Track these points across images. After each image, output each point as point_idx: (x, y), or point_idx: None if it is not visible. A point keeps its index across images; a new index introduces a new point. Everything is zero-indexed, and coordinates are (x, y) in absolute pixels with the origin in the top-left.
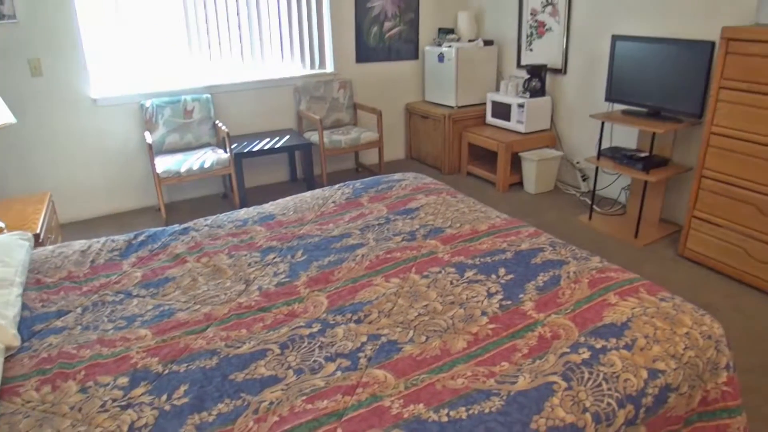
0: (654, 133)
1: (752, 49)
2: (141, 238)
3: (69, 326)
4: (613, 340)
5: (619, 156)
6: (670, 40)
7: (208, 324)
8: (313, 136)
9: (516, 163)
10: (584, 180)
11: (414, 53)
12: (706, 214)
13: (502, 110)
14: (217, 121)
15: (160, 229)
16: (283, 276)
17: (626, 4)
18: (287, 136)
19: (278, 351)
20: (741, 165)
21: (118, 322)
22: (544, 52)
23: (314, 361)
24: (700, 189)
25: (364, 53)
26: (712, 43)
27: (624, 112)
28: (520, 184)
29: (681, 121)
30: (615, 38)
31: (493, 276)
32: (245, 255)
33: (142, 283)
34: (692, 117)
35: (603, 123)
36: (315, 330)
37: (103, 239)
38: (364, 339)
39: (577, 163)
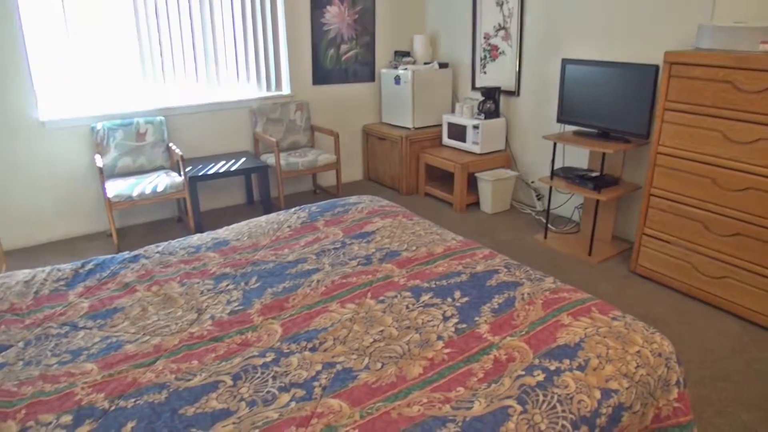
0: (604, 154)
1: (694, 73)
2: (89, 266)
3: (9, 362)
4: (567, 361)
5: (571, 176)
6: (616, 63)
7: (158, 356)
8: (270, 159)
9: (473, 183)
10: (539, 199)
11: (370, 75)
12: (656, 231)
13: (458, 131)
14: (170, 144)
15: (109, 256)
16: (236, 304)
17: (575, 29)
18: (243, 159)
19: (230, 382)
20: (686, 183)
21: (63, 356)
22: (497, 74)
23: (267, 392)
24: (649, 207)
25: (321, 75)
26: (657, 67)
27: (575, 133)
28: (477, 204)
29: (629, 142)
30: (565, 62)
31: (449, 299)
32: (198, 283)
33: (89, 314)
34: (640, 137)
35: (555, 144)
36: (269, 359)
37: (48, 268)
38: (318, 367)
39: (532, 182)
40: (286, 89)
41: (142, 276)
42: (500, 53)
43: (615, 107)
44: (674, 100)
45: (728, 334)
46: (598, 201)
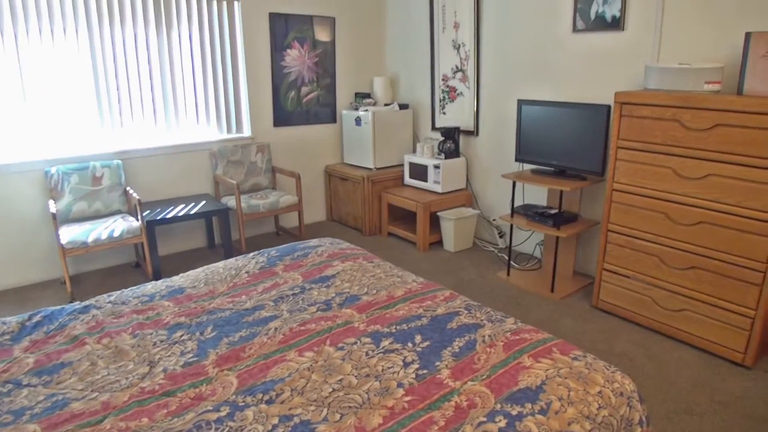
0: (561, 191)
1: (643, 112)
2: (36, 318)
3: None
4: (529, 405)
5: (531, 213)
6: (570, 104)
7: (106, 414)
8: (231, 201)
9: (435, 222)
10: (501, 237)
11: (332, 117)
12: (615, 266)
13: (419, 171)
14: (128, 188)
15: (58, 307)
16: (190, 355)
17: (529, 71)
18: (203, 202)
19: None
20: (641, 218)
21: (4, 418)
22: (456, 115)
23: None
24: (608, 242)
25: (282, 117)
26: (608, 107)
27: (533, 171)
28: (440, 242)
29: (585, 179)
30: (521, 102)
31: (410, 344)
32: (150, 333)
33: (35, 370)
34: (595, 175)
35: (514, 182)
36: (223, 414)
37: None
38: (275, 421)
39: (494, 220)
40: (246, 131)
41: (92, 328)
42: (458, 94)
43: (570, 146)
44: (626, 139)
45: (690, 367)
46: (558, 237)
